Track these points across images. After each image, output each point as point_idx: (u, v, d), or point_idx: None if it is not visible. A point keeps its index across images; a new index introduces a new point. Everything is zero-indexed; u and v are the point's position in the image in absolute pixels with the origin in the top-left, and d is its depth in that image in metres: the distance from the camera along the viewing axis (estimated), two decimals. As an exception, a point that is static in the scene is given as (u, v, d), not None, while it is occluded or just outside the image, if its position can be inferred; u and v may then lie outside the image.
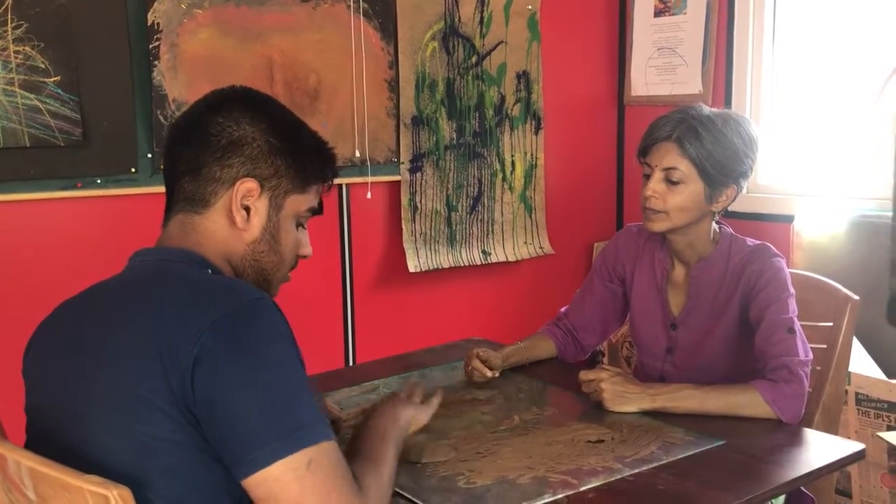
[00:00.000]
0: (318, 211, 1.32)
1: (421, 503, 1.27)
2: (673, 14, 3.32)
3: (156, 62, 2.44)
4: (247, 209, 1.22)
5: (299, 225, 1.30)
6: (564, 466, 1.38)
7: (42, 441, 1.16)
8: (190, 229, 1.23)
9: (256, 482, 1.04)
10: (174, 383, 1.04)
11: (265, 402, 1.05)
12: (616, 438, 1.50)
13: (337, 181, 2.80)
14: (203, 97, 1.29)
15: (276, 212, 1.24)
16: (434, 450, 1.45)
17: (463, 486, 1.32)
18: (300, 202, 1.27)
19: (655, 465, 1.39)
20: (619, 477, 1.34)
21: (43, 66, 2.27)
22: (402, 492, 1.29)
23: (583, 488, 1.30)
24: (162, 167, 1.27)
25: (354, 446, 1.26)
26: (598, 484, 1.32)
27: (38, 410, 1.20)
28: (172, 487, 1.07)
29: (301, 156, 1.26)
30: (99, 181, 2.40)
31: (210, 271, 1.20)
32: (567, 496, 1.28)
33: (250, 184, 1.21)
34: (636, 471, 1.36)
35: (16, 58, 2.23)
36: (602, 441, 1.49)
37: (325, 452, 1.07)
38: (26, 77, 2.25)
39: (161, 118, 2.46)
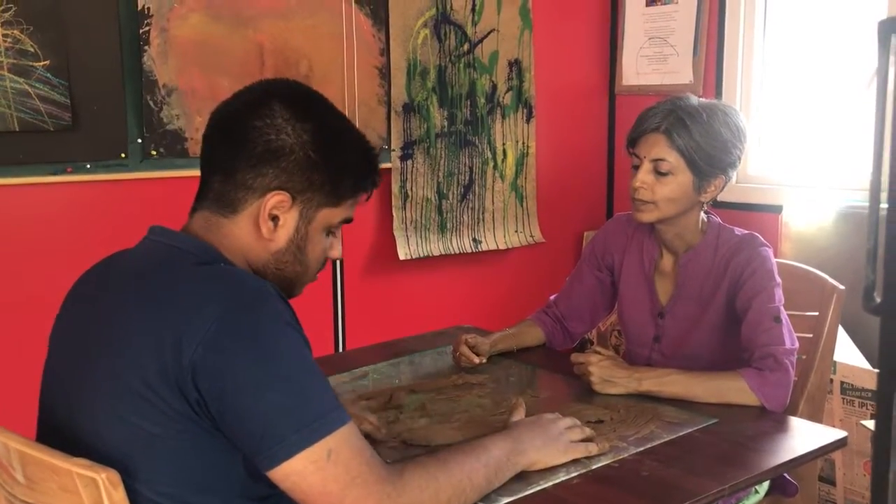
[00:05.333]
0: (350, 220, 1.26)
1: None
2: (664, 3, 3.32)
3: (146, 47, 2.43)
4: (274, 219, 1.18)
5: (330, 233, 1.26)
6: None
7: (45, 413, 1.19)
8: (214, 229, 1.19)
9: (279, 476, 1.05)
10: (175, 380, 1.04)
11: (278, 396, 1.04)
12: (615, 419, 1.53)
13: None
14: (247, 89, 1.22)
15: (305, 224, 1.20)
16: (441, 433, 1.45)
17: None
18: (333, 215, 1.23)
19: (658, 442, 1.42)
20: (625, 455, 1.37)
21: (32, 49, 2.26)
22: None
23: (594, 466, 1.33)
24: (201, 153, 1.24)
25: (451, 448, 1.23)
26: (608, 462, 1.35)
27: (46, 383, 1.21)
28: (164, 482, 1.07)
29: (340, 171, 1.20)
30: (88, 166, 2.39)
31: (222, 265, 1.16)
32: (577, 474, 1.30)
33: (281, 196, 1.17)
34: (641, 449, 1.40)
35: (4, 41, 2.22)
36: (602, 421, 1.51)
37: (344, 439, 1.06)
38: (15, 61, 2.24)
39: (151, 103, 2.45)
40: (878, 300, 0.61)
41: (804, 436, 1.52)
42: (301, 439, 1.03)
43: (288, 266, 1.22)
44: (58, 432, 1.15)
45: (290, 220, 1.19)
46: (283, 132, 1.16)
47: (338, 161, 1.20)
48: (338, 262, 2.92)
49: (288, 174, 1.17)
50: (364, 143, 1.25)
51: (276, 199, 1.17)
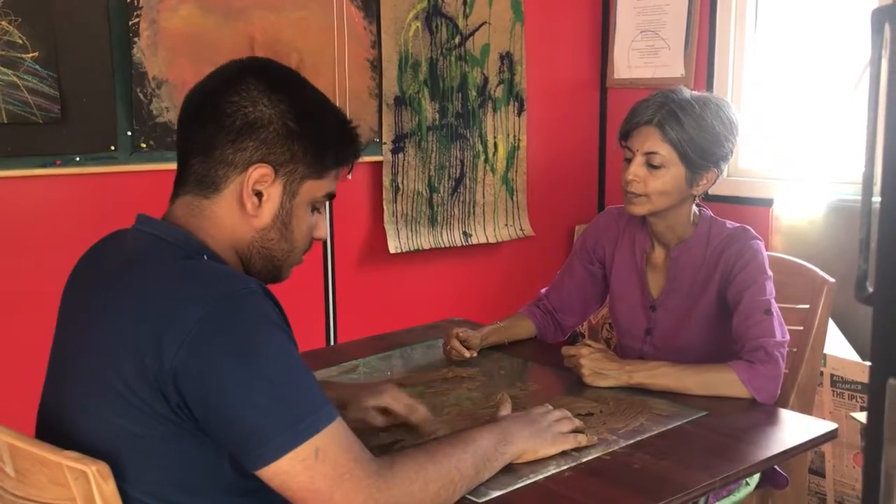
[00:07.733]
0: (333, 195, 1.24)
1: None
2: (656, -3, 3.32)
3: (135, 39, 2.41)
4: (258, 195, 1.16)
5: (315, 210, 1.24)
6: None
7: (42, 407, 1.19)
8: (196, 212, 1.17)
9: (267, 476, 1.04)
10: (156, 382, 1.02)
11: (263, 397, 1.03)
12: (604, 411, 1.53)
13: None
14: (220, 69, 1.21)
15: (289, 199, 1.18)
16: (431, 426, 1.44)
17: None
18: (317, 188, 1.20)
19: (647, 435, 1.42)
20: (615, 448, 1.38)
21: (21, 41, 2.24)
22: None
23: (585, 459, 1.33)
24: (176, 140, 1.22)
25: (439, 440, 1.22)
26: (598, 454, 1.35)
27: (46, 376, 1.21)
28: (148, 481, 1.07)
29: (320, 141, 1.18)
30: (78, 159, 2.37)
31: (205, 257, 1.14)
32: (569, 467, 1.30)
33: (264, 169, 1.14)
34: (632, 441, 1.40)
35: (-7, 33, 2.20)
36: (591, 414, 1.51)
37: (331, 437, 1.05)
38: (4, 53, 2.22)
39: (141, 96, 2.44)
40: (871, 290, 0.61)
41: (795, 428, 1.53)
42: (288, 440, 1.03)
43: (274, 244, 1.20)
44: (51, 427, 1.15)
45: (274, 195, 1.17)
46: (259, 103, 1.15)
47: (317, 130, 1.18)
48: (329, 257, 2.92)
49: (268, 146, 1.15)
50: (341, 115, 1.24)
51: (258, 173, 1.15)
